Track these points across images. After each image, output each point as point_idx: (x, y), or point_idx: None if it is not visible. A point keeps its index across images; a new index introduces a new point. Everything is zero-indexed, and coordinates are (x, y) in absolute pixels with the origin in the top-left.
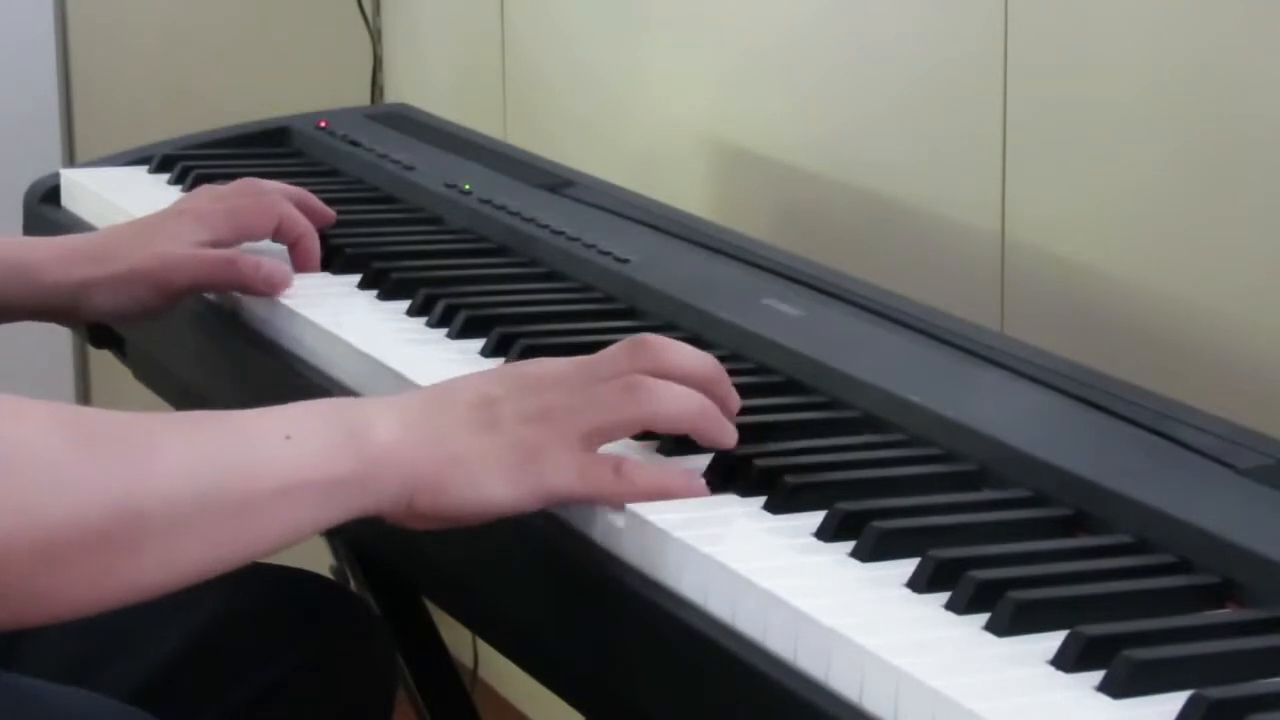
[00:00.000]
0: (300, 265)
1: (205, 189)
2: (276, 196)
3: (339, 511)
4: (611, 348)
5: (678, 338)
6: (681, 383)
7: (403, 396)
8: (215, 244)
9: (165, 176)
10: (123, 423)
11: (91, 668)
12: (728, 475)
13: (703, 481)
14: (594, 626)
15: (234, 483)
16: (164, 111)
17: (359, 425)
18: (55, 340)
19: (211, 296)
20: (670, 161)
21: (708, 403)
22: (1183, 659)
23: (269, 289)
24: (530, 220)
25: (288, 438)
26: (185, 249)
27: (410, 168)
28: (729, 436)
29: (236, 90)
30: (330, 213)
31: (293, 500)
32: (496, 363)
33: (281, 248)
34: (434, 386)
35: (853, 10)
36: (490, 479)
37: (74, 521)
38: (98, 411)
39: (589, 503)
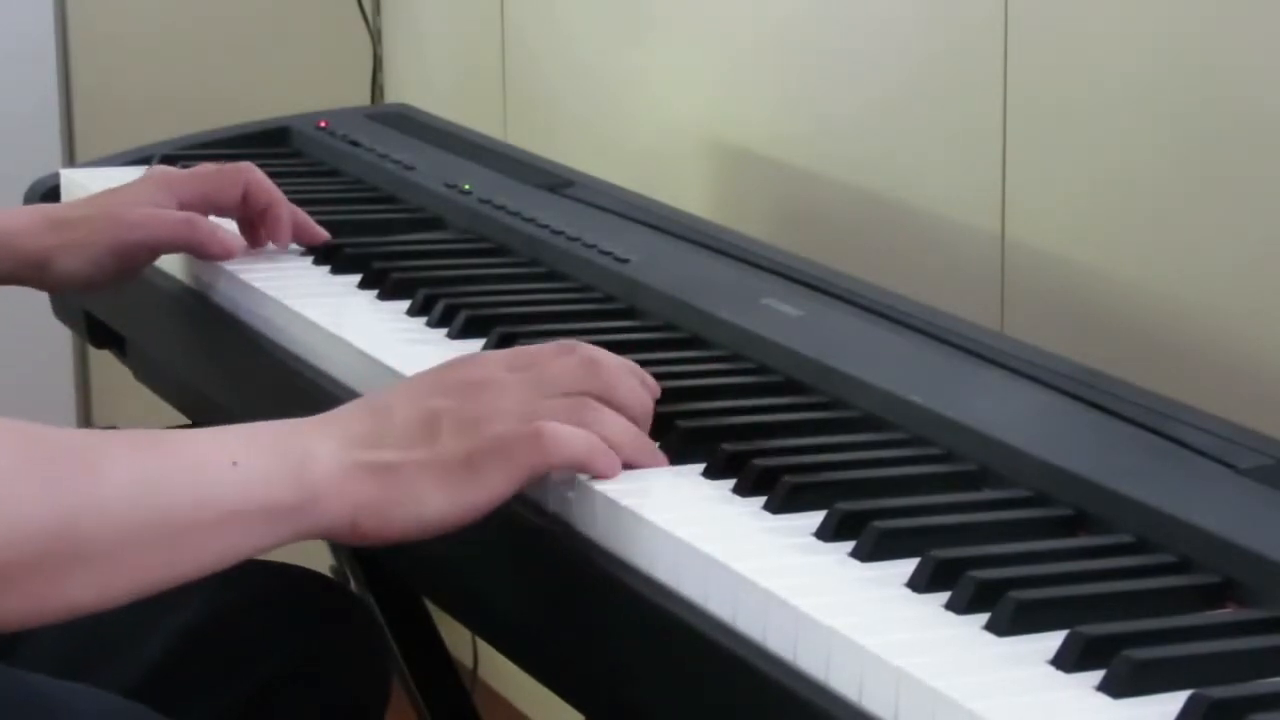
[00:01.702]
0: (271, 234)
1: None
2: (244, 164)
3: (279, 537)
4: (561, 359)
5: (678, 338)
6: (621, 411)
7: (345, 414)
8: (181, 209)
9: None
10: (71, 442)
11: (90, 663)
12: (727, 473)
13: (617, 461)
14: (594, 626)
15: (177, 508)
16: (164, 111)
17: (300, 452)
18: (55, 340)
19: (211, 294)
20: (670, 161)
21: (597, 444)
22: (1183, 659)
23: (223, 251)
24: (530, 220)
25: (234, 464)
26: (143, 210)
27: (410, 168)
28: (614, 470)
29: (236, 90)
30: (323, 233)
31: (235, 526)
32: None
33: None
34: (377, 398)
35: (852, 10)
36: (427, 497)
37: (17, 540)
38: (48, 429)
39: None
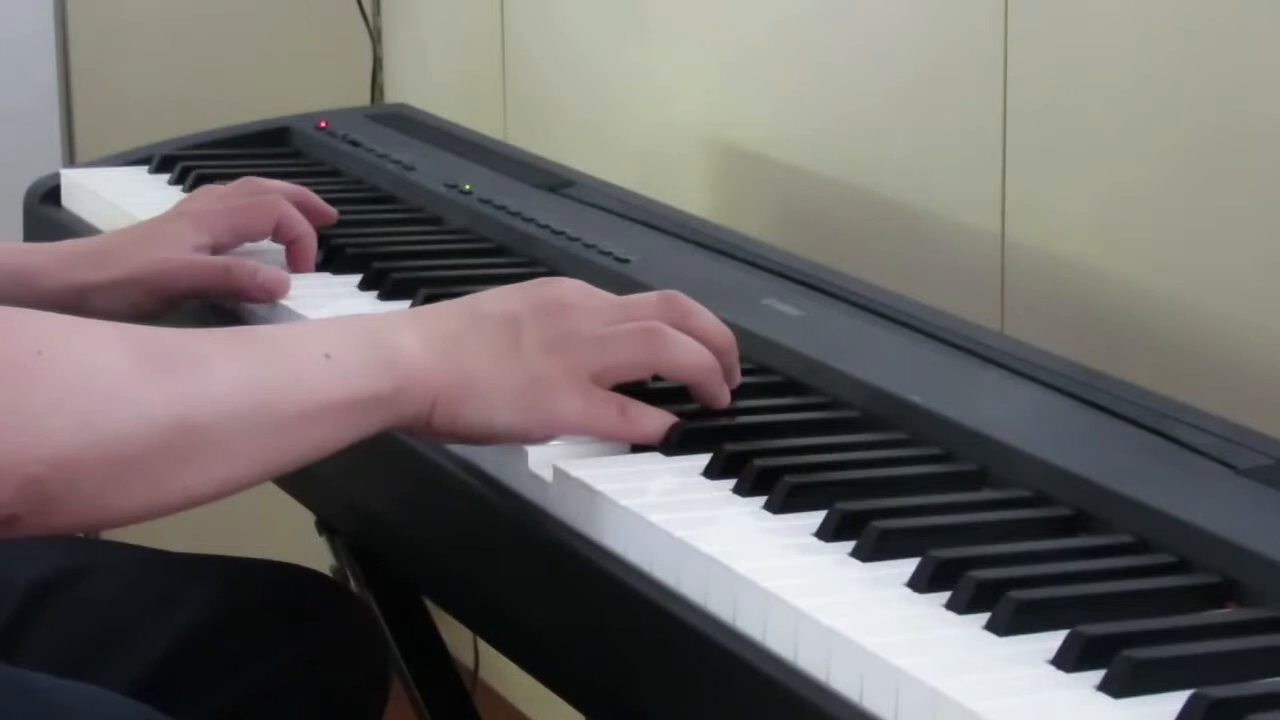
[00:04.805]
0: (295, 265)
1: (207, 189)
2: (276, 197)
3: (373, 425)
4: (642, 295)
5: None
6: (701, 340)
7: (431, 311)
8: (215, 246)
9: (165, 177)
10: (177, 340)
11: (91, 661)
12: (727, 473)
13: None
14: (594, 626)
15: (282, 399)
16: (164, 111)
17: (390, 343)
18: None
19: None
20: (670, 161)
21: (715, 362)
22: (1183, 659)
23: (265, 295)
24: (530, 220)
25: (327, 356)
26: (183, 255)
27: (410, 168)
28: (724, 398)
29: (236, 90)
30: (331, 211)
31: (335, 415)
32: None
33: (280, 248)
34: (463, 302)
35: (852, 10)
36: (501, 406)
37: (139, 436)
38: (153, 330)
39: (591, 435)
